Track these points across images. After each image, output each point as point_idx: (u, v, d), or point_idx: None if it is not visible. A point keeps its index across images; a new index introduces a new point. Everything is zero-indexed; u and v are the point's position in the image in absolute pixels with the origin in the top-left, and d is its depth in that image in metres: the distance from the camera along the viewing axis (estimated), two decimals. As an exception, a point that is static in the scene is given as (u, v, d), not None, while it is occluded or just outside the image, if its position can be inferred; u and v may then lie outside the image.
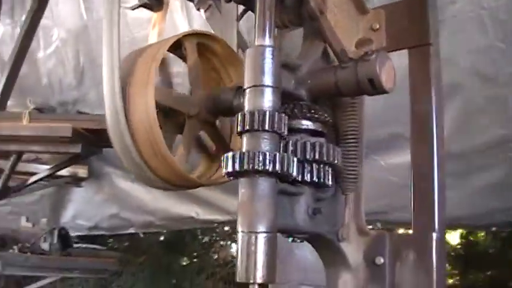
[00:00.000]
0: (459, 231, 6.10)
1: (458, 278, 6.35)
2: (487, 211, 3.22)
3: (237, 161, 1.16)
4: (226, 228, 7.16)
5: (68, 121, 3.81)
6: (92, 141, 3.86)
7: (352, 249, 1.48)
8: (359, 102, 1.49)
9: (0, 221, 5.39)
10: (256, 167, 1.14)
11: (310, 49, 1.48)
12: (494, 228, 4.01)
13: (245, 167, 1.15)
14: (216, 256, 7.60)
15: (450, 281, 6.48)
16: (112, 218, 5.59)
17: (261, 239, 1.15)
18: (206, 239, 7.71)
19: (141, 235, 7.26)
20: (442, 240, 1.46)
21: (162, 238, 7.68)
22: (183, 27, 3.85)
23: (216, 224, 5.22)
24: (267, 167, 1.15)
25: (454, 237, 6.40)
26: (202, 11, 2.52)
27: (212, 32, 2.02)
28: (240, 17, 1.65)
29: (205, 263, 7.39)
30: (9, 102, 4.65)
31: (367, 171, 3.29)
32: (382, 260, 1.45)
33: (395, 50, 1.64)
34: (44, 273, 4.57)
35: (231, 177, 1.22)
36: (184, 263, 7.76)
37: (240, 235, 1.17)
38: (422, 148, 1.53)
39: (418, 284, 1.41)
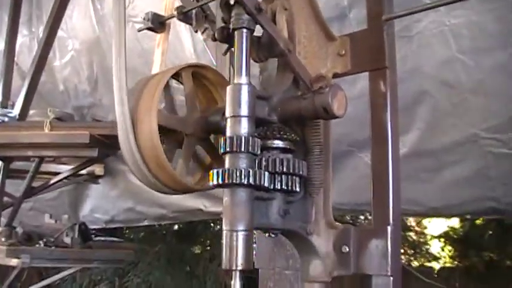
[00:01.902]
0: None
1: (458, 259, 6.64)
2: (460, 202, 3.56)
3: (220, 176, 1.51)
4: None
5: (85, 128, 4.12)
6: (107, 145, 4.18)
7: (322, 241, 1.81)
8: (324, 122, 1.82)
9: (24, 218, 5.65)
10: (235, 181, 1.49)
11: (282, 80, 1.81)
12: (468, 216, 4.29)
13: (227, 180, 1.50)
14: None
15: (453, 263, 6.76)
16: (127, 212, 5.89)
17: (240, 235, 1.49)
18: (218, 227, 7.80)
19: (156, 226, 7.43)
20: (396, 231, 1.78)
21: (176, 228, 7.94)
22: (187, 43, 4.17)
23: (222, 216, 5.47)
24: (243, 181, 1.49)
25: (454, 221, 6.66)
26: (199, 32, 2.84)
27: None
28: (225, 52, 1.95)
29: (218, 250, 7.42)
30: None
31: (354, 167, 3.62)
32: (347, 249, 1.78)
33: (358, 73, 1.97)
34: (67, 264, 4.84)
35: (217, 188, 1.56)
36: (198, 251, 7.99)
37: (224, 232, 1.52)
38: (380, 152, 1.84)
39: (376, 268, 1.74)
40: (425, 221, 7.19)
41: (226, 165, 1.54)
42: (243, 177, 1.49)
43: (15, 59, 5.38)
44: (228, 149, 1.53)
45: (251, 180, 1.50)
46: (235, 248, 1.49)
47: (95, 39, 4.89)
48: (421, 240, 7.31)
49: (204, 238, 8.00)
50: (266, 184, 1.55)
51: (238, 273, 1.50)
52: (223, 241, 1.52)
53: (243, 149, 1.51)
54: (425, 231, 7.34)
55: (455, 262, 6.67)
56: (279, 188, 1.65)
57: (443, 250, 6.92)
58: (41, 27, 5.27)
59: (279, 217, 1.68)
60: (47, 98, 5.44)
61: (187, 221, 6.74)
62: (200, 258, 7.55)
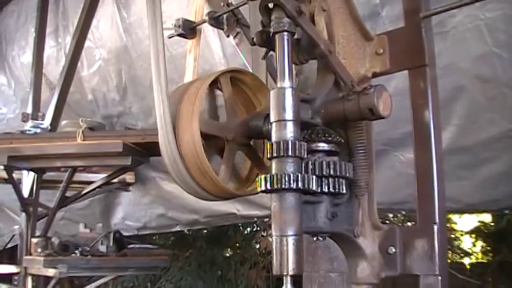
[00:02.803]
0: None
1: (491, 254, 6.58)
2: (497, 197, 3.52)
3: (268, 181, 1.50)
4: (266, 219, 7.35)
5: (117, 137, 4.15)
6: (140, 153, 4.20)
7: (368, 242, 1.80)
8: (367, 123, 1.80)
9: (56, 228, 5.68)
10: (283, 186, 1.48)
11: (323, 82, 1.80)
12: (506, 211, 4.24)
13: (275, 186, 1.48)
14: (258, 246, 7.73)
15: (486, 258, 6.70)
16: (159, 218, 5.91)
17: (290, 240, 1.48)
18: (247, 230, 7.89)
19: (186, 231, 7.51)
20: (442, 229, 1.77)
21: (205, 232, 7.93)
22: (216, 48, 4.17)
23: (255, 219, 5.50)
24: (292, 185, 1.48)
25: (485, 216, 6.60)
26: (231, 37, 2.85)
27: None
28: (264, 56, 1.94)
29: (248, 253, 7.54)
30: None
31: (389, 166, 3.59)
32: (394, 250, 1.77)
33: (397, 71, 1.95)
34: (103, 273, 4.88)
35: (264, 193, 1.55)
36: (228, 255, 7.99)
37: (274, 238, 1.50)
38: (423, 151, 1.83)
39: (424, 268, 1.72)
40: (455, 217, 7.13)
41: (274, 170, 1.53)
42: (291, 181, 1.48)
43: (43, 70, 5.46)
44: (274, 154, 1.52)
45: (299, 185, 1.49)
46: (285, 253, 1.47)
47: (123, 47, 4.90)
48: (452, 236, 7.25)
49: (234, 241, 8.00)
50: (314, 188, 1.55)
51: (289, 278, 1.48)
52: (273, 246, 1.50)
53: (290, 153, 1.50)
54: (456, 227, 7.28)
55: (489, 258, 6.57)
56: (326, 191, 1.63)
57: (474, 246, 6.84)
58: (68, 38, 5.33)
59: (327, 220, 1.67)
60: (75, 108, 5.48)
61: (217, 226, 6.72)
62: (231, 262, 7.57)
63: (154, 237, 7.84)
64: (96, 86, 5.36)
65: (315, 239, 1.76)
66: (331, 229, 1.70)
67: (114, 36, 4.94)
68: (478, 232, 6.73)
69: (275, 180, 1.48)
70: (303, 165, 1.59)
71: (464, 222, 7.05)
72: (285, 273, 1.47)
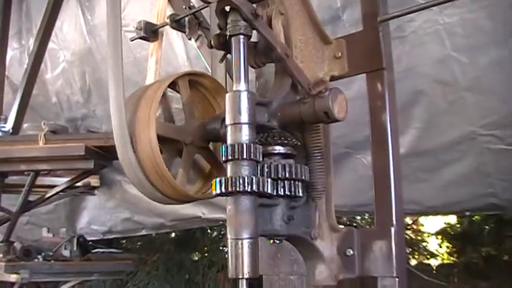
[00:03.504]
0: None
1: (456, 255, 6.65)
2: (459, 199, 3.56)
3: (223, 184, 1.49)
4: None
5: (80, 140, 4.11)
6: (102, 156, 4.17)
7: (326, 245, 1.81)
8: (324, 126, 1.81)
9: (20, 232, 5.62)
10: (237, 188, 1.47)
11: (280, 85, 1.80)
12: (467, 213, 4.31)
13: (230, 189, 1.48)
14: (225, 249, 7.59)
15: (451, 259, 6.77)
16: (125, 222, 5.88)
17: (246, 243, 1.48)
18: (215, 233, 7.82)
19: (153, 235, 7.34)
20: (399, 231, 1.78)
21: (173, 235, 7.87)
22: (180, 51, 4.16)
23: (221, 222, 5.46)
24: (247, 188, 1.47)
25: (451, 218, 6.67)
26: (193, 40, 2.84)
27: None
28: (222, 59, 1.94)
29: (216, 256, 7.43)
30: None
31: (352, 169, 3.62)
32: (351, 252, 1.78)
33: (355, 75, 1.97)
34: (67, 278, 4.82)
35: (220, 196, 1.55)
36: (196, 258, 7.89)
37: (229, 241, 1.50)
38: (381, 153, 1.84)
39: (381, 270, 1.73)
40: (422, 219, 7.20)
41: (229, 173, 1.52)
42: (246, 184, 1.47)
43: (6, 72, 5.37)
44: (229, 157, 1.51)
45: (254, 188, 1.48)
46: (241, 256, 1.47)
47: (87, 49, 4.88)
48: (419, 238, 7.32)
49: (202, 245, 7.96)
50: (269, 191, 1.54)
51: (244, 281, 1.48)
52: (229, 250, 1.50)
53: (244, 157, 1.50)
54: (422, 228, 7.35)
55: (454, 259, 6.65)
56: (282, 194, 1.64)
57: (441, 247, 6.92)
58: (31, 40, 5.26)
59: (283, 223, 1.67)
60: (39, 110, 5.43)
61: (185, 229, 6.69)
62: (199, 265, 7.52)
63: (122, 242, 7.76)
64: (60, 89, 5.32)
65: (271, 242, 1.76)
66: (287, 232, 1.70)
67: (78, 38, 4.91)
68: (444, 233, 6.79)
69: (230, 183, 1.48)
70: (259, 168, 1.59)
71: (431, 224, 7.12)
72: (240, 277, 1.47)
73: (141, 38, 2.88)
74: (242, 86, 1.59)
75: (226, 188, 1.48)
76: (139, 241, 8.01)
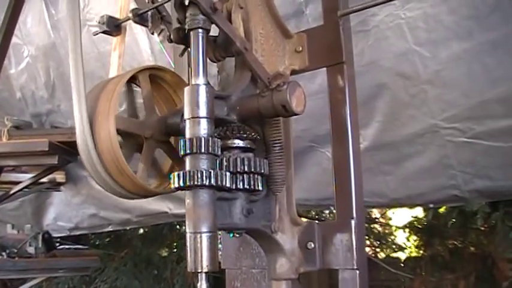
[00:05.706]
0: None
1: (423, 249, 6.73)
2: (422, 192, 3.62)
3: (182, 178, 1.49)
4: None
5: (43, 136, 4.08)
6: (67, 152, 4.13)
7: (287, 238, 1.82)
8: (284, 120, 1.82)
9: (-16, 229, 5.56)
10: (196, 182, 1.47)
11: (240, 78, 1.80)
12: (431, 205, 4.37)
13: (188, 183, 1.48)
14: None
15: (419, 252, 6.85)
16: (91, 218, 5.79)
17: (204, 237, 1.48)
18: (183, 229, 7.80)
19: (121, 231, 7.35)
20: (360, 224, 1.80)
21: (141, 231, 7.88)
22: (144, 45, 4.15)
23: (187, 217, 5.46)
24: (205, 182, 1.48)
25: (418, 211, 6.74)
26: (156, 34, 2.82)
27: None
28: (182, 53, 1.93)
29: (184, 252, 7.51)
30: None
31: (316, 162, 3.64)
32: (313, 245, 1.80)
33: (315, 69, 1.98)
34: (32, 275, 4.78)
35: (179, 190, 1.55)
36: (164, 254, 7.97)
37: (187, 235, 1.50)
38: (341, 147, 1.85)
39: (342, 262, 1.75)
40: (390, 212, 7.28)
41: (187, 167, 1.52)
42: (204, 178, 1.48)
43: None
44: (188, 151, 1.51)
45: (213, 181, 1.49)
46: (199, 250, 1.47)
47: (51, 44, 4.80)
48: (386, 231, 7.39)
49: (170, 241, 7.97)
50: (228, 184, 1.55)
51: (204, 275, 1.49)
52: (188, 244, 1.50)
53: (203, 150, 1.50)
54: (390, 222, 7.42)
55: (421, 252, 6.73)
56: (241, 187, 1.64)
57: (408, 240, 7.00)
58: (-6, 35, 5.16)
59: (242, 217, 1.67)
60: (3, 106, 5.35)
61: (152, 225, 6.66)
62: (167, 261, 7.54)
63: (91, 238, 7.71)
64: (24, 84, 5.23)
65: (231, 235, 1.76)
66: (247, 225, 1.70)
67: (42, 32, 4.82)
68: (411, 227, 6.86)
69: (188, 177, 1.48)
70: (218, 162, 1.59)
71: (399, 217, 7.19)
72: (199, 270, 1.47)
73: (103, 32, 2.85)
74: (200, 79, 1.59)
75: (184, 182, 1.48)
76: (108, 237, 7.97)
